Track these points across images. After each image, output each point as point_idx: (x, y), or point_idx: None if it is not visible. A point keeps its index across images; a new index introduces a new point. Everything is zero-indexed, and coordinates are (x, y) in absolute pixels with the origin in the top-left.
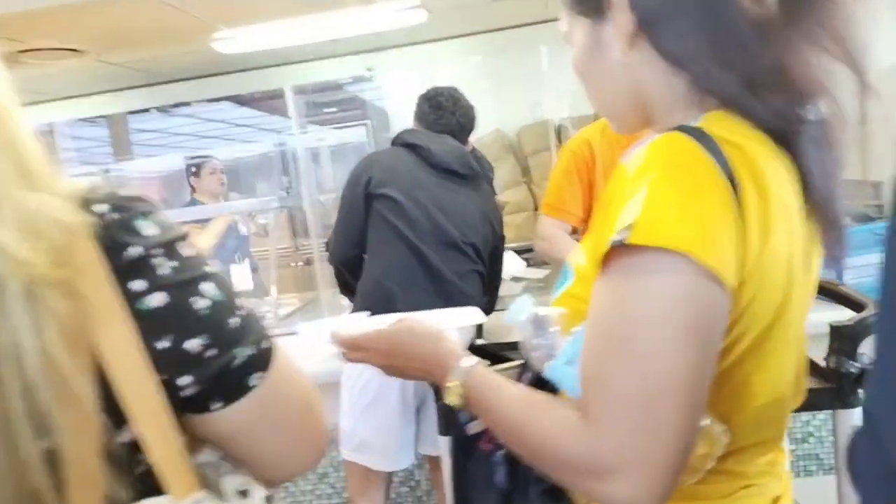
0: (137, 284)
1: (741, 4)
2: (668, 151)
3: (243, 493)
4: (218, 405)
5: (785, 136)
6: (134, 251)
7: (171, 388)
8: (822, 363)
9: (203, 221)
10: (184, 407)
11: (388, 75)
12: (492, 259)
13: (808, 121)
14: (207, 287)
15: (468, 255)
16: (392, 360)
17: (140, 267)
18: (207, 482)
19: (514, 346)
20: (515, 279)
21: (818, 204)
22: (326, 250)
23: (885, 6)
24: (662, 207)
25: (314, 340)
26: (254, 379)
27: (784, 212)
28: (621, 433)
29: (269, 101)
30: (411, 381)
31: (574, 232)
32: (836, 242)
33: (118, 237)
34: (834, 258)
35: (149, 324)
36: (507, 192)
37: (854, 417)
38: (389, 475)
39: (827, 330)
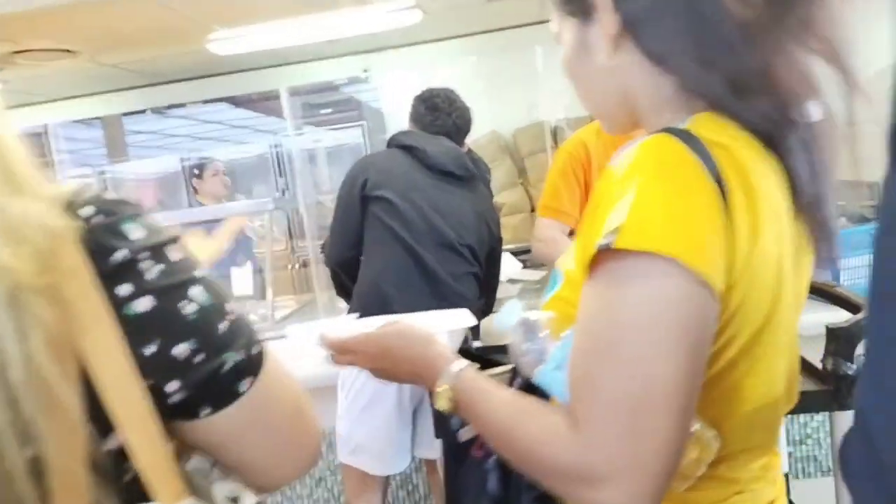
0: (124, 289)
1: (726, 5)
2: (656, 154)
3: (234, 501)
4: (206, 411)
5: (773, 137)
6: (120, 255)
7: (158, 395)
8: (819, 365)
9: (208, 224)
10: (172, 413)
11: (383, 76)
12: (489, 261)
13: (797, 123)
14: (196, 291)
15: (464, 257)
16: (381, 363)
17: (126, 271)
18: (197, 489)
19: (507, 350)
20: (512, 281)
21: (807, 206)
22: (323, 252)
23: (877, 9)
24: (649, 211)
25: (303, 343)
26: (243, 384)
27: (772, 214)
28: (610, 439)
29: (264, 103)
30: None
31: (572, 233)
32: (826, 245)
33: (104, 241)
34: (824, 260)
35: (135, 329)
36: (504, 193)
37: (851, 419)
38: (386, 479)
39: (823, 332)
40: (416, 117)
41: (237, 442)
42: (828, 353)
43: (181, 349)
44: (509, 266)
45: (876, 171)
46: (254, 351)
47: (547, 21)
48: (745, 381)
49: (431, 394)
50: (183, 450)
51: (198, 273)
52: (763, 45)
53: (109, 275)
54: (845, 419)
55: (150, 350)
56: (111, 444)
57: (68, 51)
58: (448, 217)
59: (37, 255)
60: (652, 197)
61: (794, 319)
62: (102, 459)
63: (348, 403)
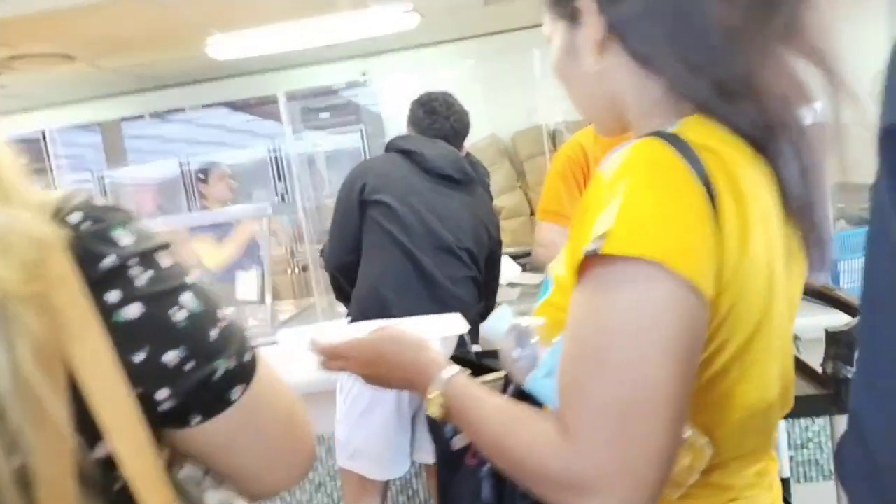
0: (112, 296)
1: (712, 9)
2: (644, 158)
3: None
4: (197, 419)
5: (762, 141)
6: (109, 261)
7: (147, 402)
8: (819, 369)
9: (215, 229)
10: (162, 421)
11: (382, 80)
12: (488, 264)
13: (787, 126)
14: (186, 298)
15: (462, 261)
16: (373, 368)
17: (115, 278)
18: (189, 498)
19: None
20: (511, 285)
21: (797, 210)
22: (322, 257)
23: (875, 12)
24: (637, 216)
25: (295, 349)
26: (235, 392)
27: (762, 218)
28: (599, 447)
29: (264, 107)
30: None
31: None
32: (818, 249)
33: (92, 247)
34: (817, 264)
35: (124, 336)
36: (503, 196)
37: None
38: (386, 483)
39: (823, 335)
40: (414, 121)
41: (229, 450)
42: (827, 356)
43: (171, 356)
44: (509, 269)
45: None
46: (246, 358)
47: None
48: (738, 388)
49: (424, 401)
50: (175, 458)
51: (189, 279)
52: (749, 49)
53: (98, 282)
54: (846, 423)
55: (139, 357)
56: (100, 452)
57: (66, 55)
58: (446, 221)
59: (24, 264)
60: (640, 202)
61: (788, 324)
62: (91, 468)
63: (347, 408)
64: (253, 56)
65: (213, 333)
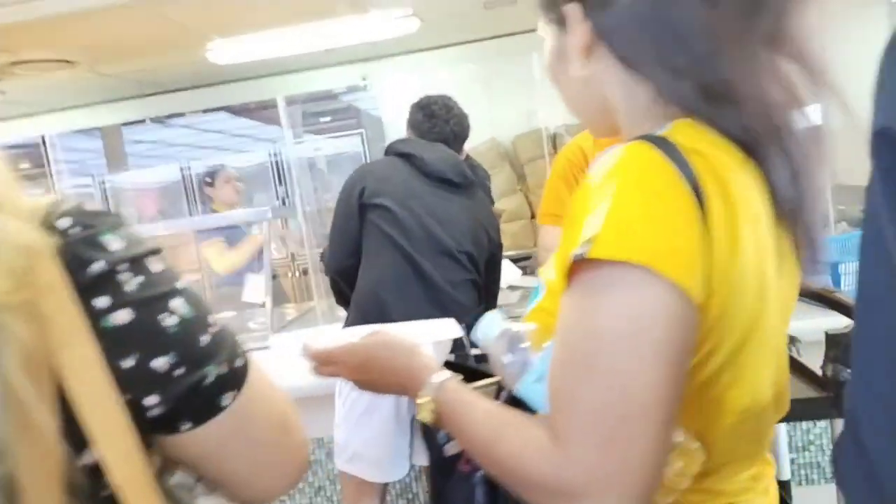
0: (101, 301)
1: (696, 13)
2: (632, 162)
3: None
4: (187, 426)
5: (751, 145)
6: (98, 267)
7: (136, 409)
8: (819, 372)
9: (225, 232)
10: (151, 428)
11: (382, 84)
12: (489, 267)
13: (778, 130)
14: (177, 303)
15: (462, 264)
16: (365, 374)
17: (104, 283)
18: None
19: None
20: (512, 288)
21: (788, 213)
22: (322, 261)
23: (873, 15)
24: (624, 220)
25: (287, 354)
26: (226, 398)
27: (752, 221)
28: (589, 453)
29: (264, 111)
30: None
31: None
32: (810, 252)
33: (81, 253)
34: (808, 268)
35: (113, 342)
36: (503, 200)
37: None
38: (384, 486)
39: (823, 338)
40: (413, 125)
41: (220, 456)
42: (828, 359)
43: (161, 362)
44: (509, 273)
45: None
46: (237, 364)
47: None
48: (730, 392)
49: (415, 406)
50: (167, 465)
51: (179, 284)
52: (734, 54)
53: (87, 287)
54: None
55: (128, 363)
56: (87, 459)
57: (67, 61)
58: (446, 224)
59: (11, 272)
60: (627, 206)
61: (781, 327)
62: (78, 476)
63: (346, 411)
64: (253, 61)
65: (204, 339)
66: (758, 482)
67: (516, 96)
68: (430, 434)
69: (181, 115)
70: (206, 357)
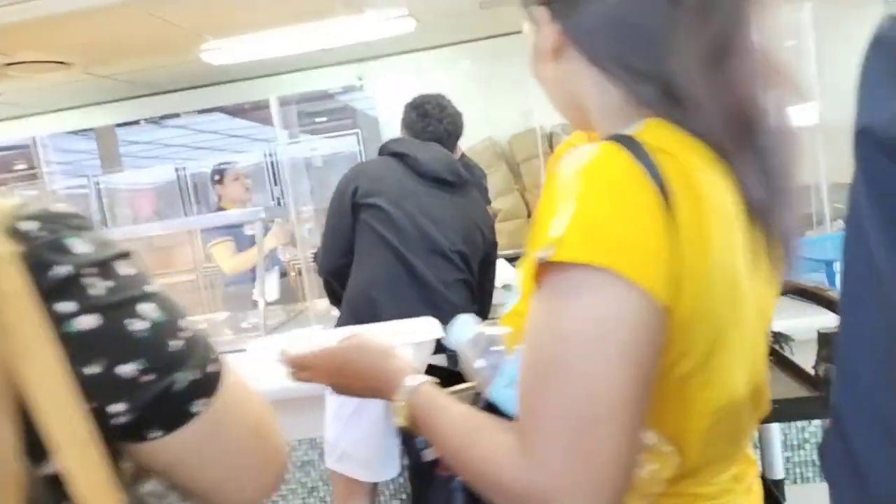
0: (65, 306)
1: (654, 14)
2: (598, 162)
3: None
4: (156, 434)
5: (720, 144)
6: (62, 271)
7: (101, 417)
8: (811, 371)
9: (232, 231)
10: (118, 436)
11: (378, 84)
12: (483, 266)
13: (746, 130)
14: (147, 308)
15: (455, 264)
16: (340, 378)
17: (69, 287)
18: None
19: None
20: (507, 287)
21: (760, 213)
22: (315, 261)
23: (869, 13)
24: (588, 222)
25: (264, 358)
26: (197, 405)
27: (722, 221)
28: (556, 458)
29: (260, 112)
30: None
31: None
32: (783, 251)
33: (45, 256)
34: (783, 267)
35: (78, 348)
36: (500, 199)
37: None
38: (374, 486)
39: (815, 336)
40: (407, 124)
41: (193, 464)
42: (820, 358)
43: (127, 369)
44: (504, 272)
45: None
46: (210, 369)
47: None
48: (703, 393)
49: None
50: (139, 473)
51: (150, 288)
52: (693, 53)
53: (50, 292)
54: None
55: (93, 370)
56: (48, 469)
57: (62, 62)
58: (439, 224)
59: None
60: (592, 208)
61: (758, 327)
62: (38, 487)
63: (335, 410)
64: (248, 61)
65: (175, 344)
66: (739, 482)
67: (512, 96)
68: (409, 439)
69: (176, 115)
70: (177, 363)
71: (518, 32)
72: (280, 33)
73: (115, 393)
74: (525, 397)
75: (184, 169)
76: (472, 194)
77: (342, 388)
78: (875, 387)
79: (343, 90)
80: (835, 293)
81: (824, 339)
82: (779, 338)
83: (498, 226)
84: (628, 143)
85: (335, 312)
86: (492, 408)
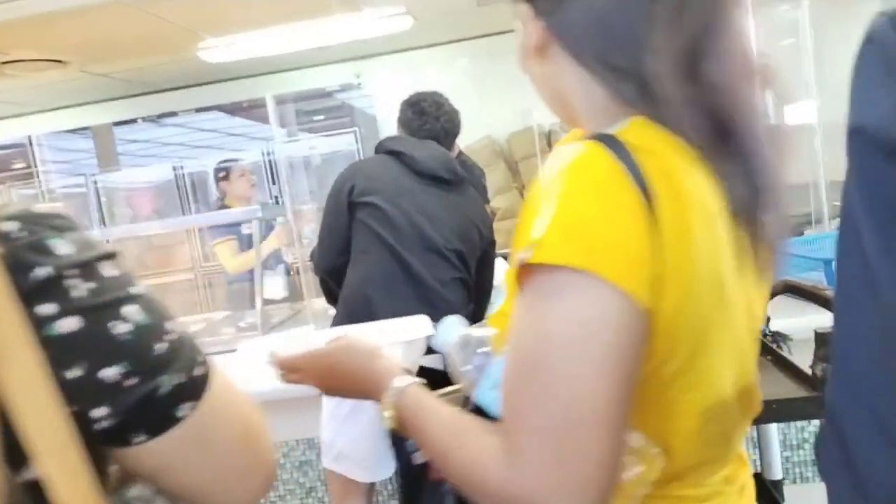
0: (46, 308)
1: (631, 12)
2: (580, 162)
3: None
4: (140, 438)
5: (702, 144)
6: (42, 272)
7: (83, 421)
8: (808, 371)
9: (233, 229)
10: (101, 440)
11: (376, 82)
12: (481, 265)
13: (728, 129)
14: (130, 310)
15: (452, 263)
16: (328, 380)
17: (50, 289)
18: None
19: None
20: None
21: (742, 212)
22: (311, 260)
23: (867, 12)
24: (569, 223)
25: (251, 361)
26: (183, 409)
27: (706, 220)
28: (540, 460)
29: (258, 110)
30: None
31: None
32: (767, 251)
33: (25, 257)
34: (768, 268)
35: (59, 351)
36: (498, 198)
37: None
38: (371, 486)
39: (812, 336)
40: (404, 122)
41: (179, 469)
42: (817, 358)
43: (110, 372)
44: (502, 271)
45: None
46: (196, 373)
47: None
48: (689, 396)
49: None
50: (125, 477)
51: (135, 290)
52: (668, 53)
53: (30, 293)
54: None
55: (74, 374)
56: (28, 475)
57: (58, 61)
58: (436, 222)
59: None
60: (573, 208)
61: (747, 328)
62: (17, 493)
63: (332, 409)
64: (245, 59)
65: (159, 347)
66: (731, 484)
67: (511, 94)
68: (399, 442)
69: (174, 114)
70: (161, 366)
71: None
72: (277, 31)
73: (97, 397)
74: (508, 399)
75: (181, 168)
76: (470, 192)
77: (331, 390)
78: (870, 385)
79: (341, 88)
80: (832, 292)
81: (821, 339)
82: (776, 337)
83: (496, 224)
84: (610, 142)
85: (333, 311)
86: (480, 410)
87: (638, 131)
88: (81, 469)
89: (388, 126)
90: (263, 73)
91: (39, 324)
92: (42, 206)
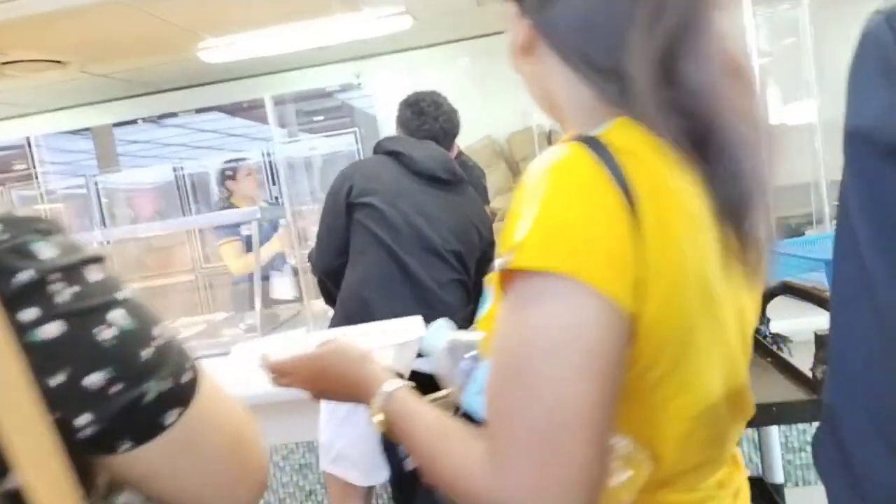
0: (29, 313)
1: (620, 14)
2: (562, 165)
3: None
4: (126, 445)
5: (687, 145)
6: (25, 276)
7: (66, 429)
8: (809, 373)
9: (235, 232)
10: (85, 448)
11: (376, 82)
12: (481, 265)
13: (712, 131)
14: (116, 315)
15: (450, 264)
16: (318, 384)
17: (32, 294)
18: None
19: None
20: None
21: (728, 214)
22: (309, 261)
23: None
24: (549, 226)
25: (243, 363)
26: (170, 416)
27: (690, 224)
28: (523, 466)
29: (259, 111)
30: None
31: None
32: (752, 254)
33: (7, 261)
34: (755, 270)
35: (41, 357)
36: (499, 198)
37: None
38: (370, 489)
39: (812, 338)
40: (402, 122)
41: (167, 476)
42: (817, 360)
43: (94, 379)
44: None
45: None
46: (184, 379)
47: None
48: (676, 399)
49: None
50: (113, 484)
51: (121, 295)
52: (651, 52)
53: (13, 298)
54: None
55: (57, 380)
56: (9, 484)
57: (58, 61)
58: (434, 222)
59: None
60: (553, 211)
61: (736, 330)
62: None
63: (329, 412)
64: (245, 59)
65: (145, 353)
66: (724, 488)
67: (511, 94)
68: (391, 448)
69: (174, 114)
70: (147, 372)
71: None
72: (277, 31)
73: (80, 404)
74: (492, 403)
75: (181, 168)
76: (469, 193)
77: (321, 394)
78: (866, 386)
79: (341, 88)
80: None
81: (822, 342)
82: (777, 339)
83: (497, 225)
84: (593, 144)
85: (331, 312)
86: (469, 415)
87: (621, 132)
88: (64, 478)
89: (389, 126)
90: (263, 74)
91: (22, 330)
92: (24, 211)
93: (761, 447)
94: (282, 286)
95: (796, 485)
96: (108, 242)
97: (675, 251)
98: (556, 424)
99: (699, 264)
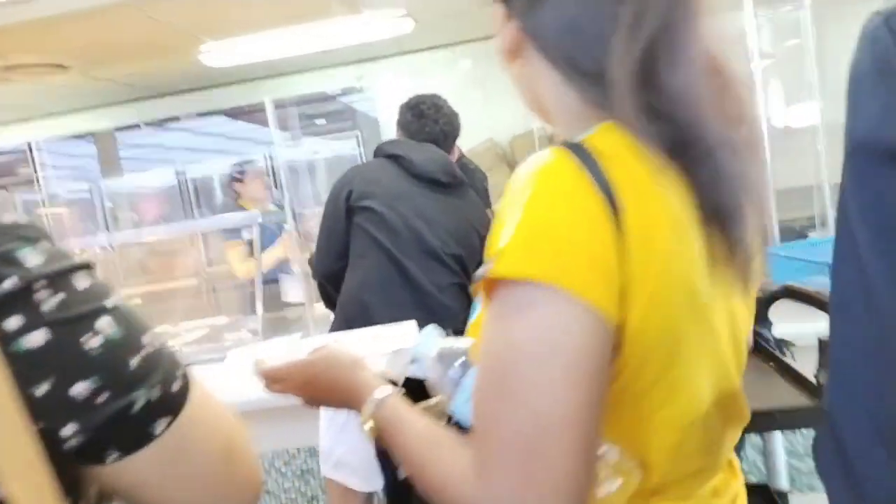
0: (13, 322)
1: (598, 14)
2: (545, 171)
3: None
4: (114, 456)
5: (672, 150)
6: (9, 284)
7: (51, 439)
8: (813, 379)
9: (234, 234)
10: (72, 459)
11: (378, 85)
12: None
13: (698, 137)
14: (104, 323)
15: (450, 268)
16: (310, 391)
17: (17, 302)
18: None
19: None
20: None
21: (715, 219)
22: (310, 265)
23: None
24: (531, 234)
25: (240, 369)
26: (159, 425)
27: (675, 230)
28: (509, 474)
29: (261, 114)
30: None
31: None
32: (739, 260)
33: None
34: (744, 275)
35: (25, 366)
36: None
37: None
38: (370, 495)
39: (816, 342)
40: (403, 125)
41: (156, 486)
42: (821, 365)
43: (80, 388)
44: None
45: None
46: (173, 387)
47: None
48: (664, 408)
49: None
50: (102, 494)
51: (109, 303)
52: (632, 57)
53: None
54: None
55: (42, 390)
56: None
57: (60, 66)
58: (434, 225)
59: None
60: (535, 219)
61: (727, 336)
62: None
63: (329, 418)
64: (247, 63)
65: (134, 361)
66: (720, 496)
67: (513, 97)
68: (385, 455)
69: (175, 118)
70: (136, 381)
71: None
72: (278, 34)
73: (66, 414)
74: (478, 409)
75: (184, 173)
76: (470, 196)
77: (313, 400)
78: (866, 388)
79: (343, 92)
80: None
81: (825, 347)
82: (780, 343)
83: None
84: (576, 150)
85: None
86: (459, 423)
87: (606, 137)
88: (48, 489)
89: (391, 129)
90: (265, 77)
91: (6, 339)
92: (10, 217)
93: (765, 453)
94: (293, 289)
95: (801, 491)
96: (112, 247)
97: (659, 257)
98: (541, 429)
99: (685, 270)
